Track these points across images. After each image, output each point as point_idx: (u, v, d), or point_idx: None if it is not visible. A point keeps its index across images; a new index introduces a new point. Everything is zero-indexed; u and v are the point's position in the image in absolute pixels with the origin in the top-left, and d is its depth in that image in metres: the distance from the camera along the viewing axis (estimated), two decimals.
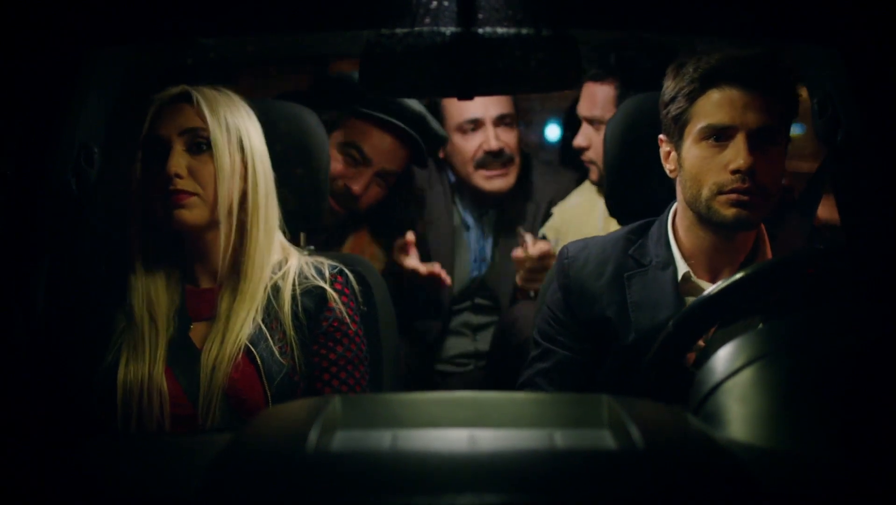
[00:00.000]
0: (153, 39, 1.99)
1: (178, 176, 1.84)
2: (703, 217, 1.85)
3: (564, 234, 2.73)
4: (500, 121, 2.77)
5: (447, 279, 2.57)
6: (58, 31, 1.77)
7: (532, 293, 2.60)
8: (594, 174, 2.70)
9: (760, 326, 1.28)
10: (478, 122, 2.77)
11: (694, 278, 1.90)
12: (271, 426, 1.11)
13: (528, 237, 2.57)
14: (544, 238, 2.70)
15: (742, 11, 1.75)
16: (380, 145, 2.60)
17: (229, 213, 1.87)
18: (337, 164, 2.56)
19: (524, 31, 1.54)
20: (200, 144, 1.87)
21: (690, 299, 1.87)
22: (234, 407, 1.83)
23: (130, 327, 1.87)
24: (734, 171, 1.79)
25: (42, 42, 1.77)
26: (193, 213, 1.86)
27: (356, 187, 2.60)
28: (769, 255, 1.91)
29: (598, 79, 2.63)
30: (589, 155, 2.68)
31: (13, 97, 1.85)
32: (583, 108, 2.69)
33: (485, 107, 2.76)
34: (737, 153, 1.79)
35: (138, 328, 1.87)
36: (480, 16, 1.53)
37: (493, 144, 2.76)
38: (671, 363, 1.50)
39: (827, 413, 1.14)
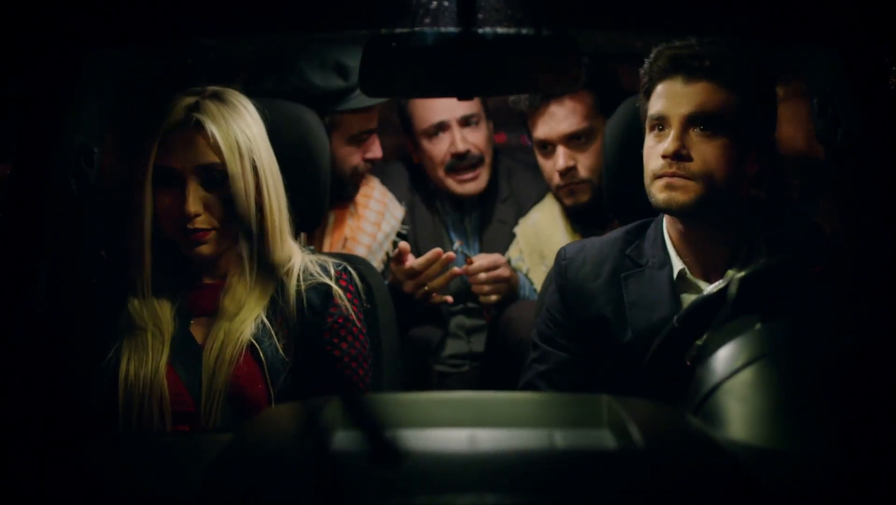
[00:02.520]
0: (153, 40, 1.99)
1: (197, 215, 1.84)
2: (652, 205, 1.87)
3: (528, 253, 2.72)
4: (465, 121, 2.76)
5: (449, 255, 2.52)
6: (58, 31, 1.77)
7: (493, 309, 2.60)
8: (585, 195, 2.63)
9: (760, 326, 1.28)
10: (443, 124, 2.76)
11: (689, 276, 1.91)
12: (272, 426, 1.11)
13: (477, 257, 2.58)
14: (509, 261, 2.70)
15: (742, 12, 1.75)
16: (368, 120, 2.61)
17: (248, 236, 1.87)
18: (357, 154, 2.60)
19: (524, 31, 1.54)
20: (216, 179, 1.85)
21: (686, 297, 1.88)
22: (237, 405, 1.82)
23: (132, 325, 1.86)
24: (663, 157, 1.82)
25: (42, 42, 1.77)
26: (211, 247, 1.86)
27: (378, 152, 2.64)
28: (766, 254, 1.91)
29: (564, 94, 2.59)
30: (580, 174, 2.62)
31: (13, 97, 1.85)
32: (559, 128, 2.60)
33: (450, 109, 2.75)
34: (667, 140, 1.82)
35: (140, 325, 1.86)
36: (480, 16, 1.53)
37: (460, 147, 2.74)
38: (670, 363, 1.50)
39: (826, 413, 1.14)
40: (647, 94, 1.88)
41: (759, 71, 1.89)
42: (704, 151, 1.81)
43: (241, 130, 1.87)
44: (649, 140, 1.88)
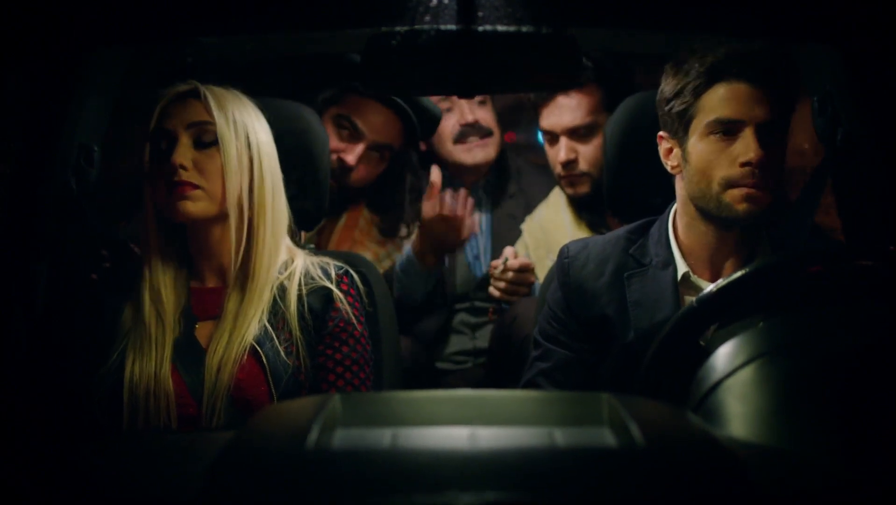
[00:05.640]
0: (153, 39, 1.99)
1: (183, 168, 1.84)
2: (712, 212, 1.85)
3: (534, 248, 2.74)
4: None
5: (475, 226, 2.55)
6: (58, 31, 1.77)
7: (505, 305, 2.62)
8: (585, 186, 2.68)
9: (760, 324, 1.28)
10: (451, 101, 2.80)
11: (693, 277, 1.90)
12: (272, 424, 1.11)
13: (509, 251, 2.60)
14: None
15: (743, 10, 1.75)
16: (372, 119, 2.63)
17: (238, 208, 1.87)
18: (331, 139, 2.56)
19: (524, 29, 1.54)
20: (206, 139, 1.87)
21: (690, 298, 1.87)
22: (240, 407, 1.82)
23: (137, 327, 1.87)
24: (744, 164, 1.79)
25: (42, 42, 1.77)
26: (197, 206, 1.86)
27: (349, 158, 2.63)
28: (769, 254, 1.91)
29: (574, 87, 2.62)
30: (580, 167, 2.67)
31: (13, 98, 1.85)
32: (562, 121, 2.66)
33: None
34: (746, 147, 1.79)
35: (145, 327, 1.86)
36: (480, 14, 1.53)
37: (469, 117, 2.79)
38: (670, 362, 1.50)
39: (826, 412, 1.14)
40: (697, 93, 1.83)
41: (791, 75, 1.88)
42: (772, 160, 1.80)
43: (238, 109, 1.90)
44: (707, 144, 1.82)
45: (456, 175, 2.87)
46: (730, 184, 1.81)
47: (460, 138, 2.80)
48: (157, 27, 1.82)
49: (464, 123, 2.79)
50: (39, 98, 1.85)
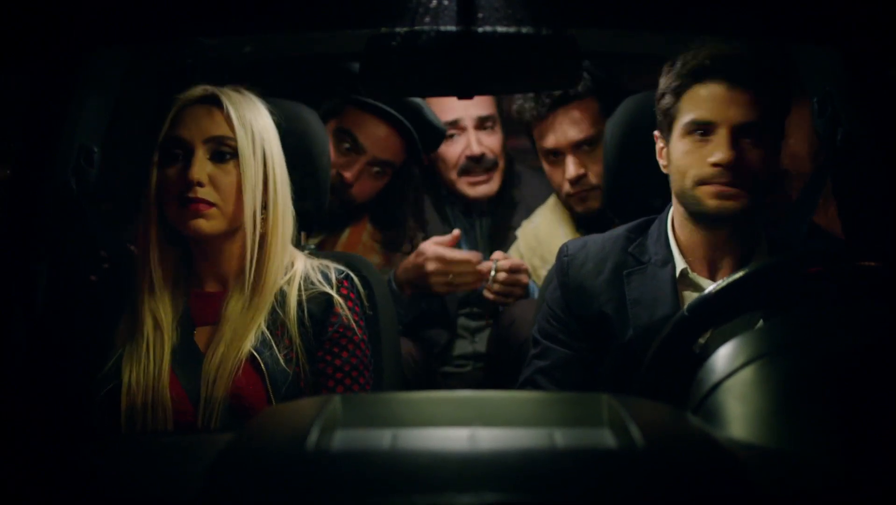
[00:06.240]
0: (153, 40, 1.99)
1: (200, 184, 1.80)
2: (691, 209, 1.87)
3: (529, 256, 2.72)
4: (481, 123, 2.75)
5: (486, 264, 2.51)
6: (58, 31, 1.77)
7: (501, 307, 2.61)
8: (596, 201, 2.62)
9: (760, 325, 1.28)
10: (458, 123, 2.74)
11: (692, 275, 1.91)
12: (272, 425, 1.11)
13: (498, 254, 2.58)
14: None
15: (742, 11, 1.76)
16: (374, 134, 2.59)
17: (252, 224, 1.83)
18: (333, 154, 2.51)
19: (524, 30, 1.55)
20: (225, 153, 1.83)
21: (688, 295, 1.88)
22: (239, 414, 1.79)
23: (134, 336, 1.84)
24: (715, 165, 1.81)
25: (42, 42, 1.77)
26: (211, 224, 1.82)
27: (348, 174, 2.59)
28: (767, 254, 1.92)
29: (574, 100, 2.60)
30: (590, 181, 2.62)
31: (13, 98, 1.85)
32: (567, 136, 2.61)
33: (465, 108, 2.73)
34: (718, 148, 1.81)
35: (143, 337, 1.83)
36: (480, 15, 1.53)
37: (476, 150, 2.73)
38: (670, 362, 1.50)
39: (826, 413, 1.14)
40: (678, 94, 1.86)
41: (783, 76, 1.89)
42: (751, 160, 1.82)
43: (255, 119, 1.86)
44: (685, 144, 1.85)
45: (462, 204, 2.85)
46: (702, 181, 1.83)
47: (465, 172, 2.76)
48: (157, 27, 1.82)
49: (469, 156, 2.73)
50: (39, 98, 1.84)
